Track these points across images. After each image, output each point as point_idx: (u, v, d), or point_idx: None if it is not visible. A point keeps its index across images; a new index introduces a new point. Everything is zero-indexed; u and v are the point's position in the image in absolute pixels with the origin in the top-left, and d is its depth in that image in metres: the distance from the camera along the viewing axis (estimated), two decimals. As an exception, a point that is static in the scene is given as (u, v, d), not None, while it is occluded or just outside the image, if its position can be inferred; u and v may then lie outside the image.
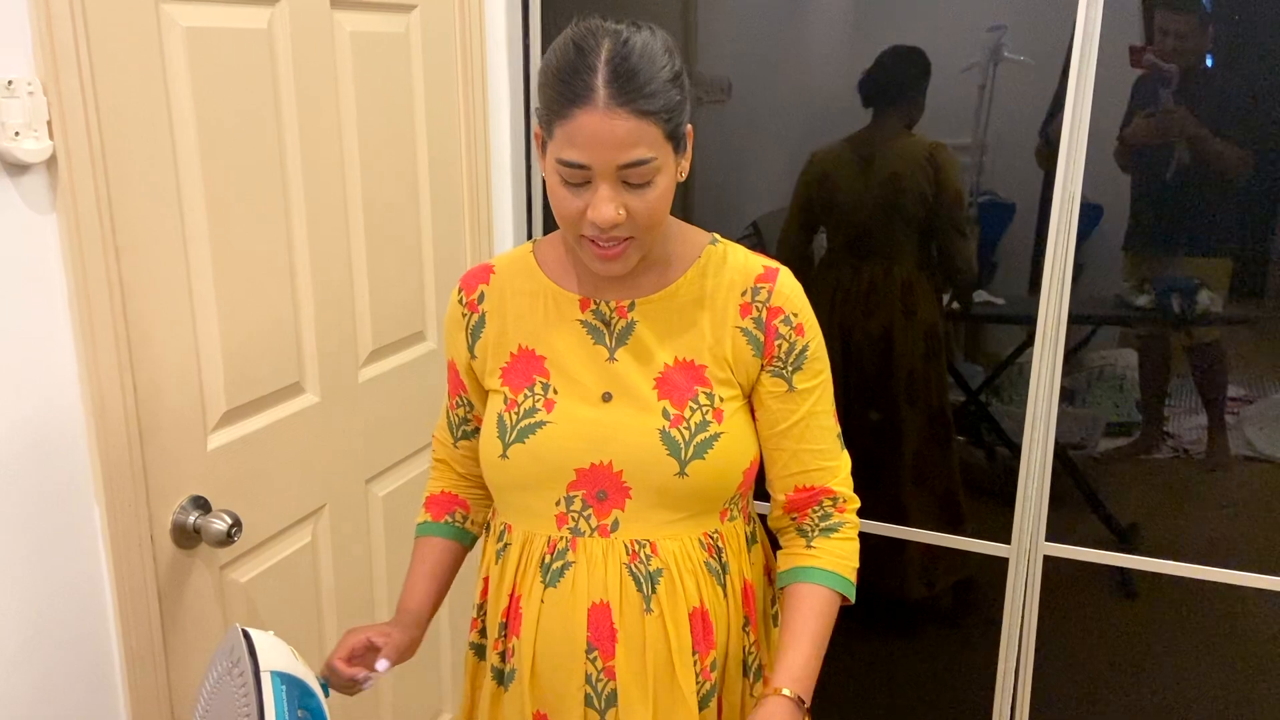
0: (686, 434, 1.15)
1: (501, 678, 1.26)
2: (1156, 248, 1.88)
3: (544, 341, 1.21)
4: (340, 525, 1.79)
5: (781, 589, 1.24)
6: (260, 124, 1.51)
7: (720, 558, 1.22)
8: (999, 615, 2.06)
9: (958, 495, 2.10)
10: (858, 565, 1.23)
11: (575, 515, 1.18)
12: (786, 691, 1.13)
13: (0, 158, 1.16)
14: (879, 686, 2.28)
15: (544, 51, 2.12)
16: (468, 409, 1.33)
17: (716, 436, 1.15)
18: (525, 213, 2.21)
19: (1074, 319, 1.88)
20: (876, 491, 2.12)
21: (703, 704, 1.20)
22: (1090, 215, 1.84)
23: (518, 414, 1.19)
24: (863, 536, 1.25)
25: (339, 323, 1.73)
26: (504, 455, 1.18)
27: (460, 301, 1.27)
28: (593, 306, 1.20)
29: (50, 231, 1.23)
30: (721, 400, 1.17)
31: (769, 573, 1.32)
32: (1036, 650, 2.07)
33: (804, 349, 1.19)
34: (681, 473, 1.15)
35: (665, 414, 1.16)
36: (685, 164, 1.12)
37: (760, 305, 1.18)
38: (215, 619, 1.53)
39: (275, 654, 1.06)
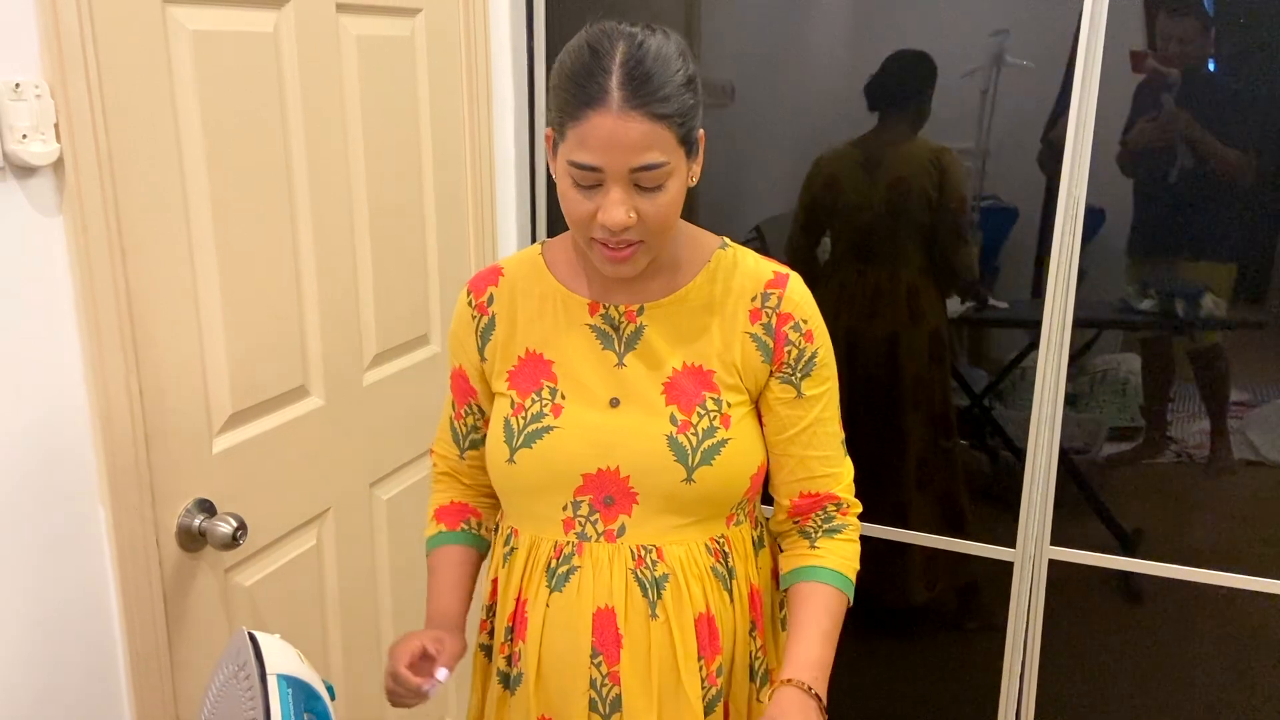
0: (694, 440, 1.15)
1: (507, 681, 1.26)
2: (1160, 252, 1.88)
3: (552, 345, 1.21)
4: (345, 528, 1.78)
5: (785, 589, 1.24)
6: (266, 127, 1.51)
7: (727, 562, 1.21)
8: (1004, 620, 2.06)
9: (962, 499, 2.10)
10: (859, 568, 1.23)
11: (582, 520, 1.18)
12: (798, 681, 1.12)
13: (7, 160, 1.16)
14: (884, 691, 2.27)
15: (549, 56, 2.14)
16: (477, 416, 1.31)
17: (724, 442, 1.15)
18: (529, 216, 2.22)
19: (1077, 323, 1.88)
20: (881, 495, 2.12)
21: (708, 709, 1.20)
22: (1093, 219, 1.85)
23: (525, 419, 1.19)
24: (867, 540, 1.26)
25: (344, 326, 1.73)
26: (511, 460, 1.18)
27: (470, 304, 1.26)
28: (602, 311, 1.20)
29: (56, 234, 1.23)
30: (729, 406, 1.17)
31: (776, 577, 1.32)
32: (1041, 654, 2.06)
33: (813, 355, 1.19)
34: (689, 479, 1.14)
35: (673, 420, 1.15)
36: (697, 169, 1.11)
37: (770, 311, 1.18)
38: (220, 622, 1.53)
39: (281, 657, 1.06)
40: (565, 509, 1.18)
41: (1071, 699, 2.12)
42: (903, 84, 1.94)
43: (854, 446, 1.27)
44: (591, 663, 1.18)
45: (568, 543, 1.19)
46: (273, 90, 1.52)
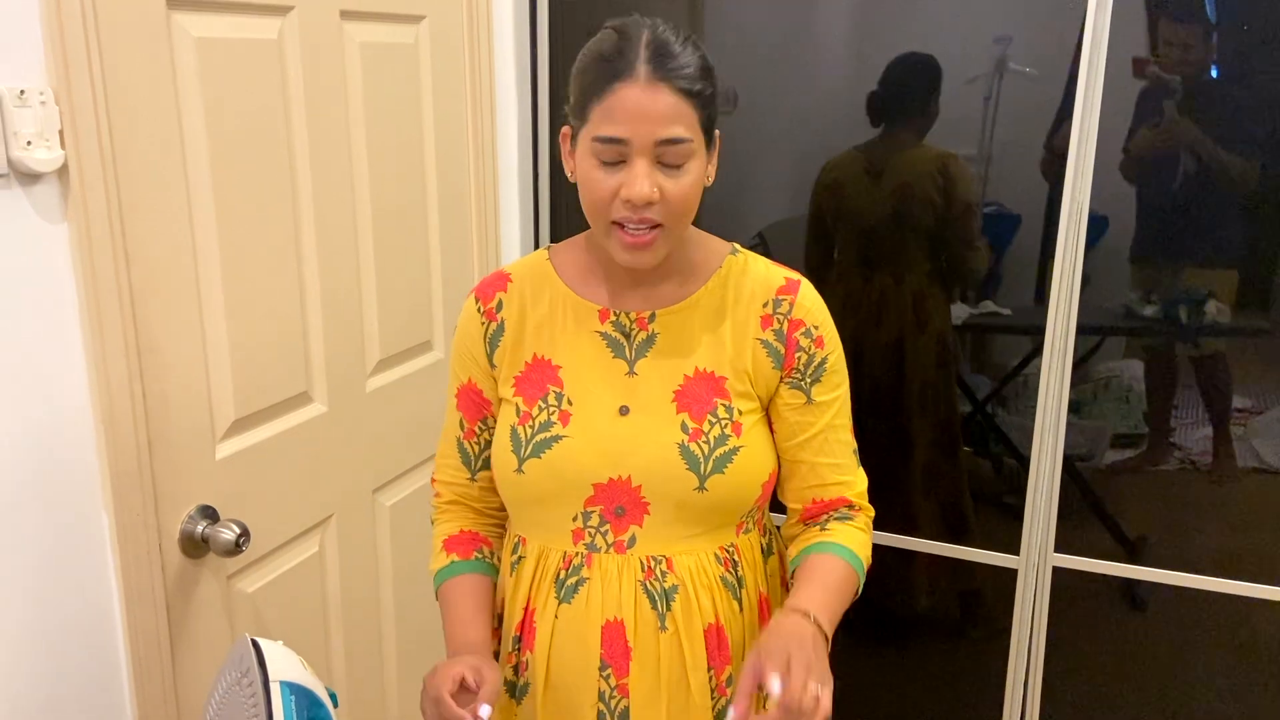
0: (706, 448, 1.14)
1: (514, 691, 1.25)
2: (1163, 258, 1.88)
3: (560, 351, 1.20)
4: (348, 535, 1.78)
5: (793, 572, 1.20)
6: (270, 134, 1.52)
7: (736, 571, 1.21)
8: (1008, 626, 2.06)
9: (966, 506, 2.10)
10: (870, 560, 1.21)
11: (592, 531, 1.17)
12: (797, 608, 1.07)
13: (12, 167, 1.16)
14: (888, 698, 2.27)
15: (552, 62, 2.14)
16: (492, 433, 1.25)
17: (736, 450, 1.14)
18: (533, 223, 2.22)
19: (1081, 329, 1.88)
20: (886, 502, 2.10)
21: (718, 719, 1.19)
22: (1096, 226, 1.84)
23: (532, 427, 1.17)
24: (873, 547, 1.24)
25: (347, 332, 1.73)
26: (519, 470, 1.17)
27: (478, 310, 1.24)
28: (612, 318, 1.19)
29: (61, 241, 1.23)
30: (740, 413, 1.16)
31: (785, 584, 1.31)
32: (1045, 661, 2.06)
33: (823, 361, 1.19)
34: (701, 487, 1.14)
35: (684, 428, 1.15)
36: (712, 168, 1.12)
37: (781, 317, 1.17)
38: (223, 628, 1.52)
39: (285, 664, 1.06)
40: (575, 519, 1.17)
41: (1076, 705, 2.11)
42: (909, 89, 1.94)
43: (859, 452, 1.26)
44: (600, 674, 1.17)
45: (577, 554, 1.18)
46: (276, 97, 1.52)
